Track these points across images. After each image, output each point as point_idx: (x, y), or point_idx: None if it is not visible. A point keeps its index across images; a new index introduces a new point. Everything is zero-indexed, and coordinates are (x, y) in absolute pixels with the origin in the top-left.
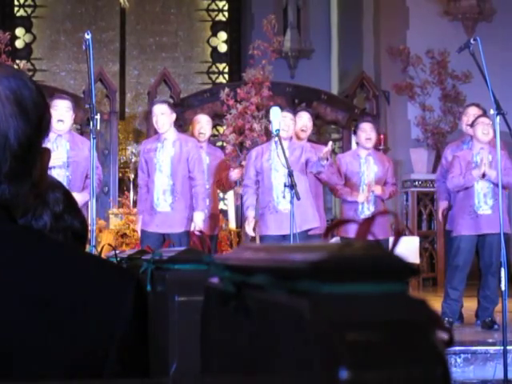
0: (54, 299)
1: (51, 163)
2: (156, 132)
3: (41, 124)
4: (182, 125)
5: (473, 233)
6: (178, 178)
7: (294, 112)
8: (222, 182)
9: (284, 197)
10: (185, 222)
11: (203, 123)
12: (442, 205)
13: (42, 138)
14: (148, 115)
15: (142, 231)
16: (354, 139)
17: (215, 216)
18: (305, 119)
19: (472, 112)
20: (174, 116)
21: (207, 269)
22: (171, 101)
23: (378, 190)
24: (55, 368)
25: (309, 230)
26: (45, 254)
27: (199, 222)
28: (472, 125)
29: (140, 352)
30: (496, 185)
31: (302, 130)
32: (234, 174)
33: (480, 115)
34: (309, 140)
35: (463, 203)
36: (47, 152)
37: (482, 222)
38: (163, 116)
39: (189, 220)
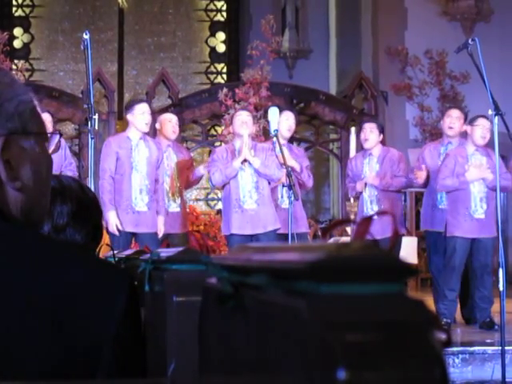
0: (47, 299)
1: None
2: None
3: (9, 121)
4: (181, 125)
5: (468, 236)
6: (152, 178)
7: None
8: (186, 180)
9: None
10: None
11: (174, 122)
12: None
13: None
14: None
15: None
16: (352, 140)
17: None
18: (291, 120)
19: (455, 115)
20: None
21: (205, 269)
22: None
23: (370, 179)
24: (49, 367)
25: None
26: (38, 253)
27: (161, 226)
28: (471, 123)
29: (135, 351)
30: (490, 189)
31: (288, 131)
32: (200, 169)
33: (481, 116)
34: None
35: (458, 205)
36: (14, 143)
37: (476, 226)
38: (149, 116)
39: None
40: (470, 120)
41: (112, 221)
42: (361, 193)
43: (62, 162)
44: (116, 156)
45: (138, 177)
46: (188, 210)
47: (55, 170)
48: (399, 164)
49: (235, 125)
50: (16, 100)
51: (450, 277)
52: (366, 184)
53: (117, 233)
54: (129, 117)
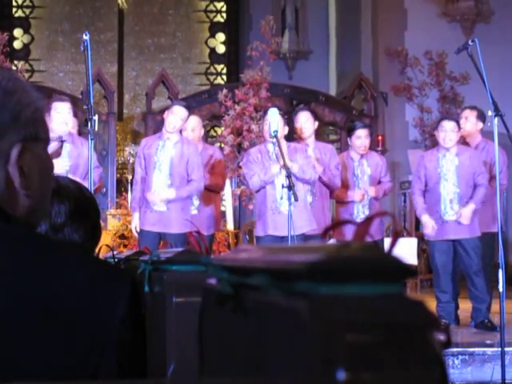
0: (48, 299)
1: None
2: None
3: (16, 121)
4: None
5: (439, 238)
6: (176, 178)
7: (295, 112)
8: (216, 183)
9: (282, 198)
10: (181, 222)
11: (194, 126)
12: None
13: (16, 135)
14: (147, 115)
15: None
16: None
17: (211, 217)
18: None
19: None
20: (185, 123)
21: (205, 270)
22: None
23: (371, 191)
24: (50, 368)
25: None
26: (40, 253)
27: (164, 194)
28: (436, 128)
29: (136, 352)
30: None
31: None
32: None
33: (442, 119)
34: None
35: (430, 208)
36: (29, 151)
37: (448, 228)
38: (181, 121)
39: (185, 221)
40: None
41: (133, 221)
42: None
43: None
44: (143, 156)
45: (161, 176)
46: (212, 212)
47: (85, 175)
48: (384, 169)
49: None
50: (33, 106)
51: (437, 279)
52: (363, 194)
53: (135, 234)
54: (165, 114)
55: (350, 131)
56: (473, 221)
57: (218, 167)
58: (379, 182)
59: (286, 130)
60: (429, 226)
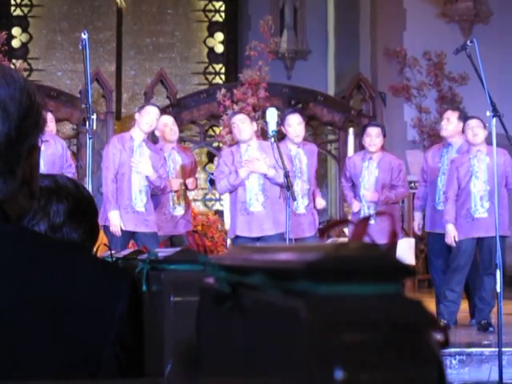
0: (49, 298)
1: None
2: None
3: (24, 122)
4: (179, 125)
5: (469, 236)
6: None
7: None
8: (192, 182)
9: (251, 199)
10: (154, 222)
11: (171, 124)
12: (418, 217)
13: (26, 136)
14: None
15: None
16: (350, 141)
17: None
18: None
19: (446, 116)
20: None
21: (203, 269)
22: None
23: (367, 196)
24: (51, 366)
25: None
26: (40, 253)
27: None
28: (463, 129)
29: (135, 351)
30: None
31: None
32: (190, 184)
33: (468, 117)
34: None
35: (459, 206)
36: (36, 150)
37: (478, 225)
38: (156, 121)
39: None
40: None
41: (115, 221)
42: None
43: (63, 164)
44: (119, 155)
45: (138, 177)
46: (191, 211)
47: (56, 171)
48: (399, 173)
49: (236, 130)
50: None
51: (451, 277)
52: (361, 206)
53: (118, 233)
54: (136, 116)
55: (363, 130)
56: (504, 221)
57: (195, 168)
58: (392, 186)
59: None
60: (451, 235)
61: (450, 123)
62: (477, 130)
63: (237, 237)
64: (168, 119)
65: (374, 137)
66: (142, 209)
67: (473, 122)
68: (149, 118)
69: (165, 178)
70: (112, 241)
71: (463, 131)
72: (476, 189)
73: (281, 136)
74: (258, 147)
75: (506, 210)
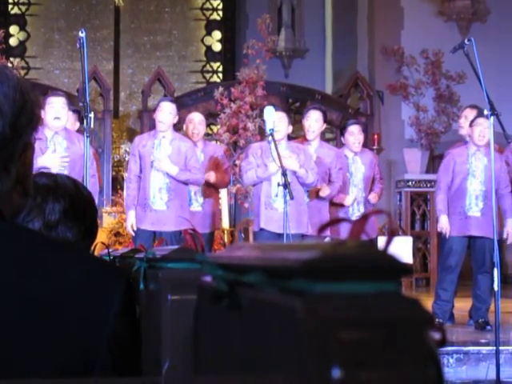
0: (44, 297)
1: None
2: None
3: (18, 120)
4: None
5: (461, 234)
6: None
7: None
8: (219, 180)
9: (277, 195)
10: (179, 220)
11: (196, 122)
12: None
13: (20, 134)
14: (143, 113)
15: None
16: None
17: (209, 214)
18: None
19: (464, 114)
20: (176, 117)
21: (200, 267)
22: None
23: (374, 198)
24: (47, 366)
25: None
26: (34, 252)
27: (168, 167)
28: (471, 124)
29: (131, 349)
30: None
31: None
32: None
33: (479, 116)
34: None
35: (454, 203)
36: (30, 148)
37: (471, 223)
38: (170, 115)
39: (183, 219)
40: (471, 120)
41: (128, 220)
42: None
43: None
44: (138, 154)
45: (158, 175)
46: (213, 209)
47: (80, 171)
48: (376, 166)
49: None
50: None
51: (443, 276)
52: (354, 199)
53: (131, 232)
54: (155, 115)
55: (343, 129)
56: (505, 222)
57: (223, 164)
58: (373, 180)
59: (289, 129)
60: (444, 224)
61: (468, 121)
62: (485, 131)
63: (261, 229)
64: (195, 116)
65: (357, 134)
66: (161, 207)
67: (484, 123)
68: (161, 115)
69: (198, 169)
70: (134, 241)
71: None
72: (472, 187)
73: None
74: (287, 147)
75: (497, 212)
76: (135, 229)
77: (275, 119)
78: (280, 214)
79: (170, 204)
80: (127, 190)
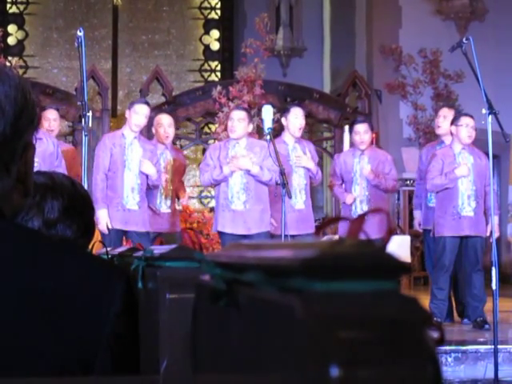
0: (44, 297)
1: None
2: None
3: (19, 120)
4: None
5: (455, 234)
6: (144, 177)
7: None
8: (179, 185)
9: (232, 196)
10: (149, 221)
11: (166, 125)
12: (418, 215)
13: (21, 134)
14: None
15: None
16: (346, 138)
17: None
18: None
19: (442, 113)
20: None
21: (198, 266)
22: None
23: (365, 171)
24: (47, 365)
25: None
26: (34, 251)
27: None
28: (455, 124)
29: (130, 348)
30: (479, 187)
31: (299, 129)
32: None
33: (464, 115)
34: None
35: (445, 203)
36: (31, 148)
37: (464, 223)
38: (145, 119)
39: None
40: (453, 119)
41: (102, 219)
42: (352, 203)
43: (54, 161)
44: (110, 153)
45: (131, 175)
46: (180, 209)
47: (47, 169)
48: (388, 166)
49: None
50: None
51: (438, 276)
52: (354, 198)
53: (106, 231)
54: (127, 114)
55: (350, 128)
56: (488, 219)
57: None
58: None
59: (249, 128)
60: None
61: (446, 121)
62: (472, 131)
63: (220, 232)
64: (164, 119)
65: (362, 134)
66: (134, 207)
67: (470, 122)
68: (137, 117)
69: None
70: (104, 239)
71: (451, 124)
72: (464, 187)
73: (276, 133)
74: (246, 145)
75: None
76: (110, 227)
77: (237, 119)
78: (237, 215)
79: (141, 204)
80: (96, 186)
